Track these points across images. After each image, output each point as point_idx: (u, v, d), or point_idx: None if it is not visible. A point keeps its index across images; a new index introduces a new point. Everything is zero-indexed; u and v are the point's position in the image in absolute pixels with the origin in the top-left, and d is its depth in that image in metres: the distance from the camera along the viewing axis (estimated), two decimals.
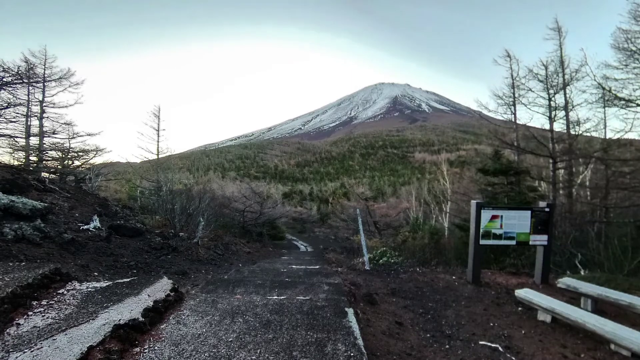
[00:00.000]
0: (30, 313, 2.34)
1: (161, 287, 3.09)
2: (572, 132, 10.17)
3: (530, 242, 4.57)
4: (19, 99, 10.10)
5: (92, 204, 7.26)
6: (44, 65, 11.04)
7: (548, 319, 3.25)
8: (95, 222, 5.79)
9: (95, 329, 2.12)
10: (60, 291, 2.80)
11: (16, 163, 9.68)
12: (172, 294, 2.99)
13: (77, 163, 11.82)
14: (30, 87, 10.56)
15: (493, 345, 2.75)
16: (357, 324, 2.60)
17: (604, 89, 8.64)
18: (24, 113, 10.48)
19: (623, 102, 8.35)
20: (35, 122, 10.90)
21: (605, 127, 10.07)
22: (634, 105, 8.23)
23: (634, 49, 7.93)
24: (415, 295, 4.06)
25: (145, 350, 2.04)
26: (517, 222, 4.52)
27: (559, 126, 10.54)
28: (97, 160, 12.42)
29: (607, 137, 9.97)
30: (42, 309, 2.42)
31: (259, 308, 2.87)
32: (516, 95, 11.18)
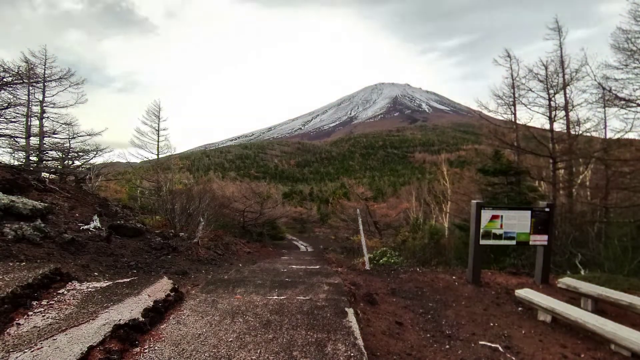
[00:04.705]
0: (30, 313, 2.34)
1: (161, 287, 3.09)
2: (572, 132, 10.17)
3: (530, 242, 4.57)
4: (19, 99, 10.10)
5: (92, 204, 7.25)
6: (44, 65, 11.04)
7: (548, 319, 3.25)
8: (96, 222, 5.79)
9: (95, 329, 2.12)
10: (61, 291, 2.80)
11: (16, 163, 9.68)
12: (172, 294, 3.00)
13: (77, 163, 11.82)
14: (31, 87, 10.55)
15: (493, 345, 2.75)
16: (357, 324, 2.60)
17: (604, 89, 8.64)
18: (24, 113, 10.48)
19: (623, 102, 8.34)
20: (35, 122, 10.90)
21: (605, 127, 10.07)
22: (634, 105, 8.23)
23: (634, 49, 7.93)
24: (415, 295, 4.06)
25: (146, 350, 2.04)
26: (517, 222, 4.52)
27: (559, 126, 10.54)
28: (97, 160, 12.42)
29: (607, 137, 9.97)
30: (42, 309, 2.42)
31: (259, 308, 2.87)
32: (516, 95, 11.17)
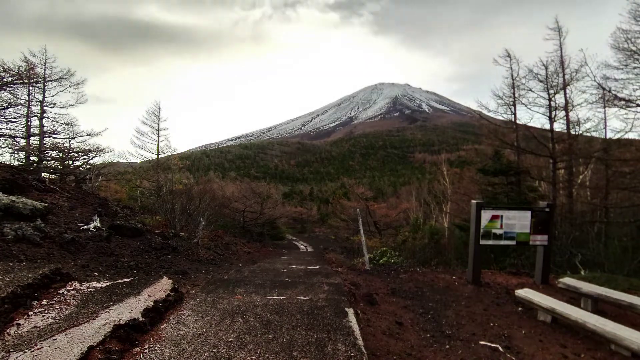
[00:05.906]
0: (30, 313, 2.34)
1: (161, 287, 3.10)
2: (572, 132, 10.18)
3: (531, 242, 4.57)
4: (19, 99, 10.11)
5: (92, 204, 7.25)
6: (44, 65, 11.04)
7: (548, 319, 3.25)
8: (96, 222, 5.79)
9: (95, 329, 2.12)
10: (61, 291, 2.80)
11: (16, 163, 9.69)
12: (172, 294, 3.00)
13: (77, 163, 11.83)
14: (31, 87, 10.55)
15: (493, 345, 2.75)
16: (357, 324, 2.60)
17: (604, 89, 8.64)
18: (24, 113, 10.48)
19: (623, 102, 8.35)
20: (35, 122, 10.91)
21: (605, 127, 10.08)
22: (634, 105, 8.23)
23: (634, 49, 7.93)
24: (415, 295, 4.06)
25: (146, 350, 2.04)
26: (517, 222, 4.51)
27: (559, 126, 10.55)
28: (98, 160, 12.43)
29: (607, 137, 9.99)
30: (43, 309, 2.42)
31: (259, 308, 2.87)
32: (516, 95, 11.17)
